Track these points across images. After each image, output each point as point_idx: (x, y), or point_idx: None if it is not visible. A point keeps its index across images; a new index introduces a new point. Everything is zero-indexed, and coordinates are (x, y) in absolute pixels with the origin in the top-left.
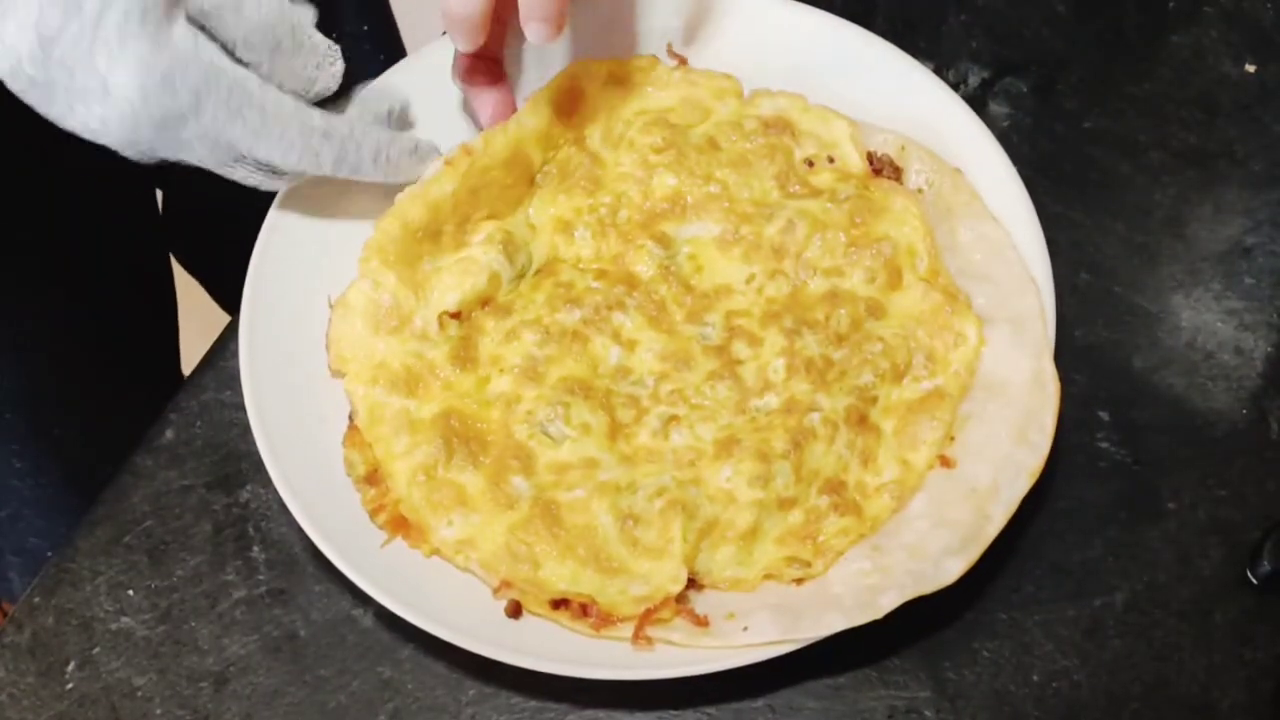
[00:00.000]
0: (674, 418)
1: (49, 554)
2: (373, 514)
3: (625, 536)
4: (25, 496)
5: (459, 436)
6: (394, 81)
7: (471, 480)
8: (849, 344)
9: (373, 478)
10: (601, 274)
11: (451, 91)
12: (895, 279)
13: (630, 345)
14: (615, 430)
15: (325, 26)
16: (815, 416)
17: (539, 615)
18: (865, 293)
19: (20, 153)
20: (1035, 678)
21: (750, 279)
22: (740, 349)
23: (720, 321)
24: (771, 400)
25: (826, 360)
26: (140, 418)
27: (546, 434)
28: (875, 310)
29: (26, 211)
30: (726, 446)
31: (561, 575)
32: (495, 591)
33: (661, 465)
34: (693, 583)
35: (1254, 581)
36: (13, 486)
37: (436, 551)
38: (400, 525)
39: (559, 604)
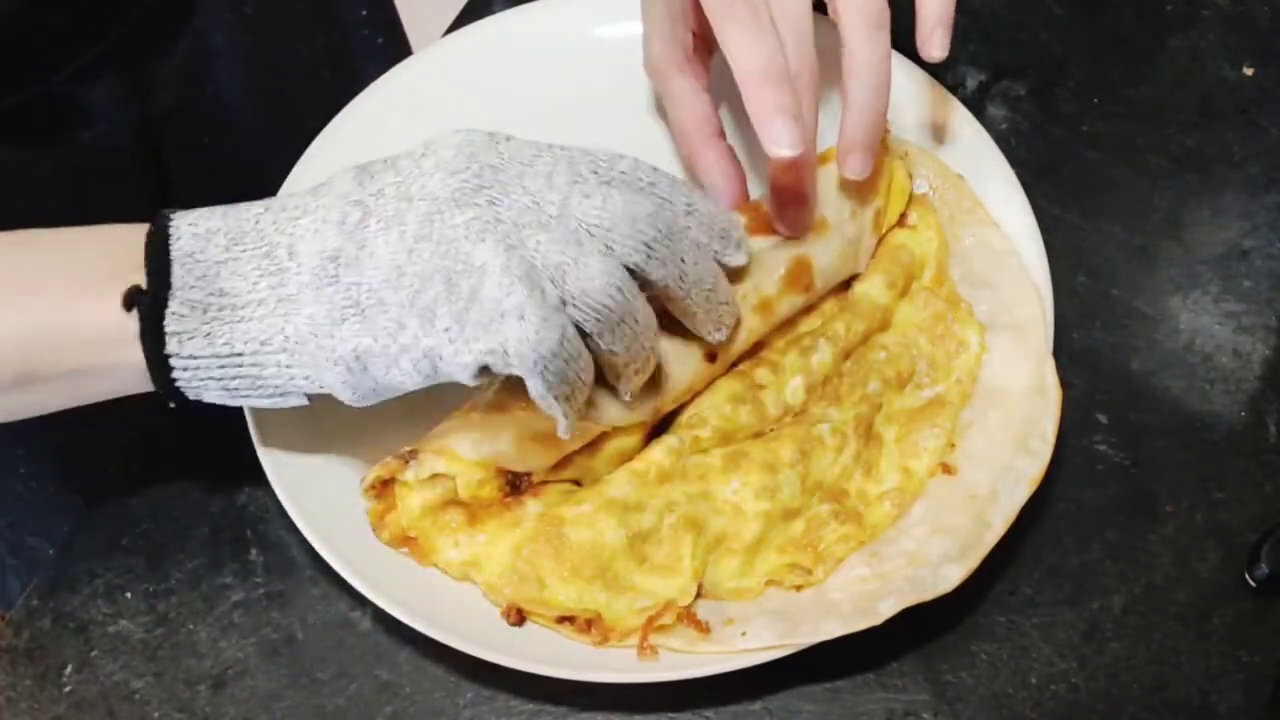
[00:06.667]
0: (695, 439)
1: (50, 552)
2: (376, 529)
3: (634, 553)
4: (28, 500)
5: None
6: None
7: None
8: (854, 354)
9: (380, 488)
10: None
11: (456, 93)
12: (906, 287)
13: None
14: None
15: (321, 13)
16: (825, 427)
17: (541, 624)
18: (883, 301)
19: (19, 158)
20: (1033, 680)
21: None
22: (763, 375)
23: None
24: (786, 419)
25: (838, 373)
26: (134, 415)
27: None
28: (882, 320)
29: (20, 214)
30: (734, 459)
31: (567, 595)
32: (502, 612)
33: (672, 482)
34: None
35: (1252, 584)
36: (16, 491)
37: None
38: (404, 542)
39: (563, 619)
